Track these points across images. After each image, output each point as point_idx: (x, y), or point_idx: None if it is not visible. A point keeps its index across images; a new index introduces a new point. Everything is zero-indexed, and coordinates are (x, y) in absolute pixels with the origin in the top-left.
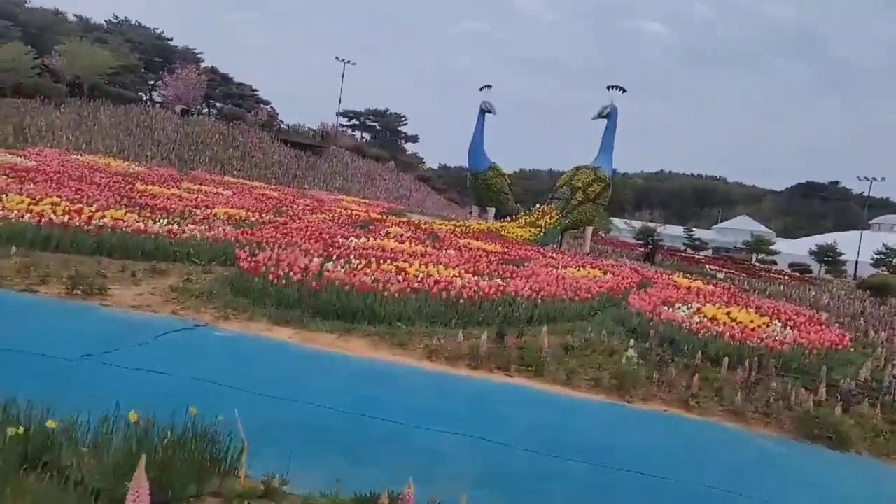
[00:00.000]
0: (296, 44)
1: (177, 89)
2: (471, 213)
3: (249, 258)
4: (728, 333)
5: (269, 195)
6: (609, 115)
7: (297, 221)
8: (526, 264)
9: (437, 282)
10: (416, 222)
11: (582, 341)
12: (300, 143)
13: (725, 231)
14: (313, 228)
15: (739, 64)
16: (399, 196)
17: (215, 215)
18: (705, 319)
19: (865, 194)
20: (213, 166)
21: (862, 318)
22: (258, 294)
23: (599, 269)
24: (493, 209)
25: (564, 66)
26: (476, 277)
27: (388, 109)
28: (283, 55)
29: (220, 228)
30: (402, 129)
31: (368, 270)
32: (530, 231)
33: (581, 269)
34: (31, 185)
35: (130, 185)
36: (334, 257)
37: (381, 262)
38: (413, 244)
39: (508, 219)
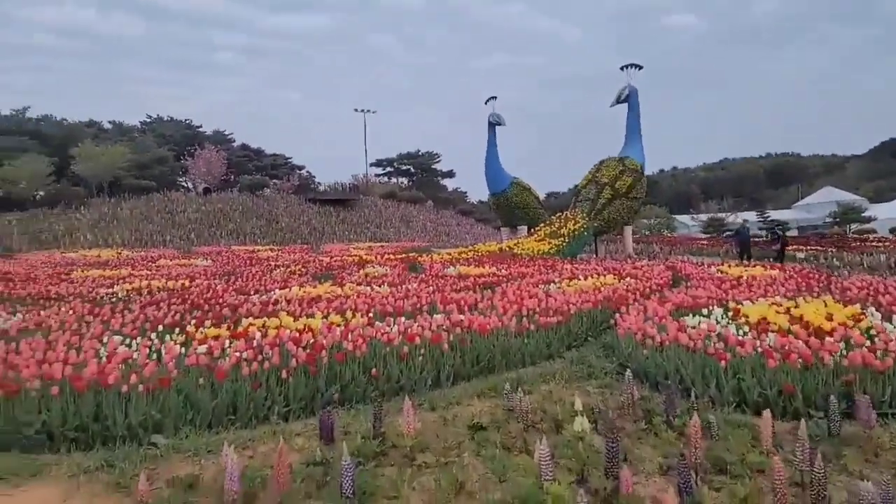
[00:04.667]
0: (331, 109)
1: (198, 170)
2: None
3: None
4: (786, 351)
5: (257, 257)
6: (629, 97)
7: (237, 281)
8: (505, 285)
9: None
10: (415, 256)
11: (507, 409)
12: (330, 200)
13: (808, 207)
14: (230, 287)
15: (785, 37)
16: (437, 233)
17: (115, 294)
18: (745, 329)
19: None
20: (236, 238)
21: None
22: None
23: (615, 275)
24: (525, 227)
25: (599, 79)
26: (376, 323)
27: (419, 150)
28: (320, 121)
29: (61, 310)
30: (437, 166)
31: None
32: (550, 243)
33: (590, 277)
34: None
35: (65, 274)
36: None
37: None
38: (365, 286)
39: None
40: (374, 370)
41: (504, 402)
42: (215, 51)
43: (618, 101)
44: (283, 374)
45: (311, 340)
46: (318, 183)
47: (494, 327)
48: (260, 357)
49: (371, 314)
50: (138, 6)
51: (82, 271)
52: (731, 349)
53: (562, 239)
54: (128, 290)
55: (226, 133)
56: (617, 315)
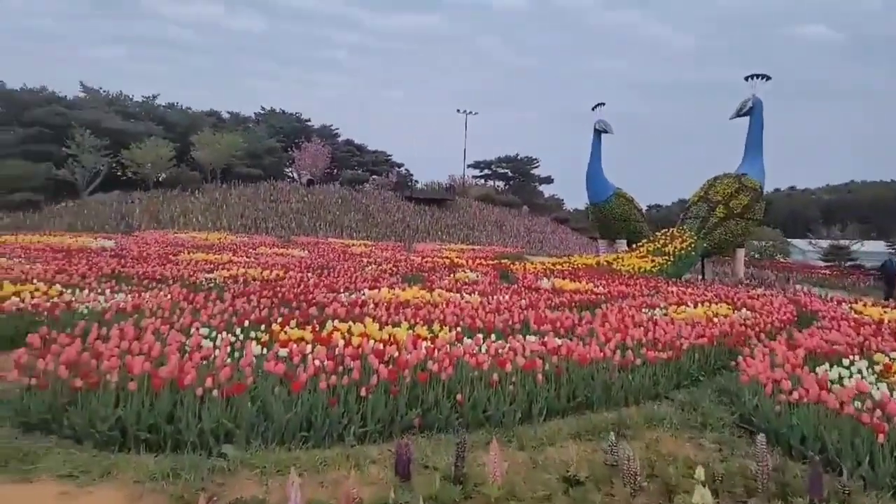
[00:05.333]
0: (433, 109)
1: (304, 162)
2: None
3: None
4: None
5: (351, 251)
6: (752, 110)
7: (329, 275)
8: (605, 307)
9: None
10: (507, 263)
11: (610, 464)
12: (426, 199)
13: None
14: (321, 283)
15: None
16: (531, 240)
17: (213, 279)
18: None
19: None
20: (334, 230)
21: None
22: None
23: (729, 304)
24: (624, 241)
25: (712, 88)
26: (464, 341)
27: (517, 154)
28: (421, 120)
29: (159, 294)
30: (535, 171)
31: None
32: (653, 261)
33: (700, 305)
34: (39, 265)
35: (173, 255)
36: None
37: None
38: (455, 292)
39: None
40: (459, 396)
41: (607, 454)
42: (330, 49)
43: (738, 114)
44: (363, 392)
45: (395, 354)
46: (416, 181)
47: (594, 358)
48: (340, 369)
49: (459, 328)
50: (265, 4)
51: (188, 254)
52: (888, 417)
53: (667, 258)
54: (224, 278)
55: (332, 128)
56: (739, 358)
